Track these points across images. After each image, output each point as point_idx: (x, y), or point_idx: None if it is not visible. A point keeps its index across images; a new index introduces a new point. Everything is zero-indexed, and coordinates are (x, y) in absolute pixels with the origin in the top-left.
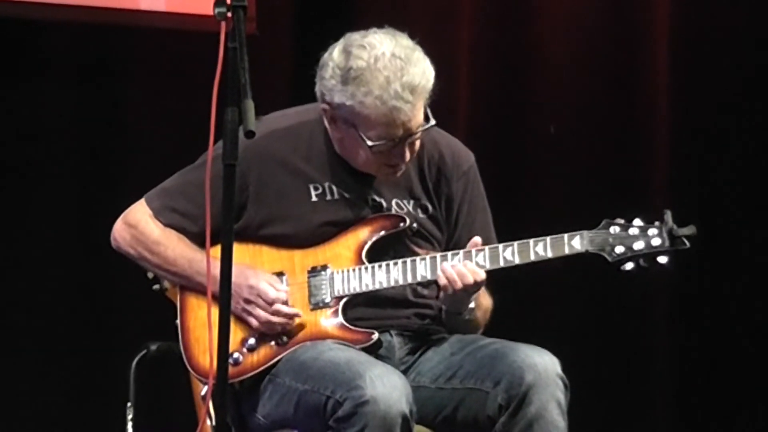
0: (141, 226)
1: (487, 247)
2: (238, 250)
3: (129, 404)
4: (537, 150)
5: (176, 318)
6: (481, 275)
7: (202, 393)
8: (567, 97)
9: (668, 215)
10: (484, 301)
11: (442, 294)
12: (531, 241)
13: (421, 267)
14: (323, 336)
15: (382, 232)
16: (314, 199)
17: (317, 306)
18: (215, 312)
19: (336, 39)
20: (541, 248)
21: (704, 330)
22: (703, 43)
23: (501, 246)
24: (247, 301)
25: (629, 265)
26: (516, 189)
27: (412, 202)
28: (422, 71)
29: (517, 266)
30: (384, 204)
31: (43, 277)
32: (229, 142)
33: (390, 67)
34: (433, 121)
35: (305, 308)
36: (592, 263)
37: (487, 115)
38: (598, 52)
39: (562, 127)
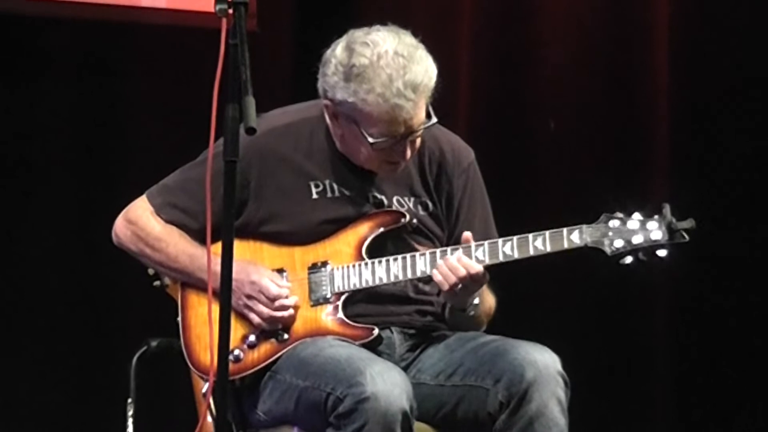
0: (142, 222)
1: (486, 242)
2: (239, 246)
3: (129, 400)
4: (537, 147)
5: (177, 315)
6: (475, 268)
7: (203, 390)
8: (567, 94)
9: (667, 209)
10: (487, 298)
11: (442, 291)
12: (530, 236)
13: (421, 262)
14: (323, 332)
15: (382, 229)
16: (315, 196)
17: (317, 302)
18: (216, 309)
19: (337, 36)
20: (540, 243)
21: (704, 327)
22: (703, 42)
23: (500, 241)
24: (249, 297)
25: (628, 259)
26: (516, 186)
27: (412, 199)
28: (425, 69)
29: (516, 261)
30: (385, 201)
31: (44, 273)
32: (230, 139)
33: (393, 64)
34: (434, 119)
35: (305, 304)
36: (593, 260)
37: (487, 113)
38: (598, 50)
39: (562, 124)
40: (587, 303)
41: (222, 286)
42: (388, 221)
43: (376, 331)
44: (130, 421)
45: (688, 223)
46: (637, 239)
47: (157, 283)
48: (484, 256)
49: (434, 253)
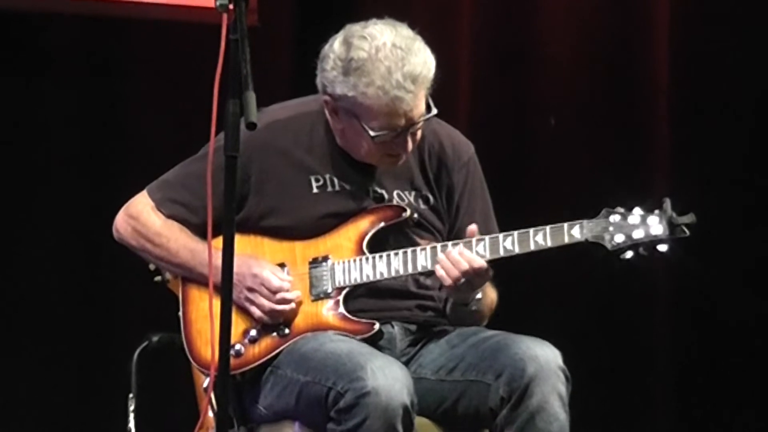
0: (143, 217)
1: (486, 237)
2: (239, 241)
3: (130, 395)
4: (537, 144)
5: (178, 310)
6: (478, 262)
7: (204, 385)
8: (567, 92)
9: (667, 203)
10: (488, 292)
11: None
12: (531, 231)
13: (422, 257)
14: (324, 327)
15: (383, 223)
16: (315, 191)
17: (318, 297)
18: (217, 303)
19: (337, 31)
20: (540, 237)
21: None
22: (703, 38)
23: (501, 236)
24: (251, 290)
25: (629, 254)
26: (516, 184)
27: (413, 193)
28: (423, 61)
29: (517, 256)
30: (385, 195)
31: (45, 269)
32: (231, 134)
33: (391, 57)
34: (434, 111)
35: (306, 299)
36: (594, 256)
37: (488, 111)
38: (599, 47)
39: (563, 120)
40: (588, 297)
41: (223, 281)
42: (389, 216)
43: (377, 326)
44: (131, 415)
45: (689, 218)
46: (638, 234)
47: (158, 278)
48: (484, 251)
49: (435, 247)
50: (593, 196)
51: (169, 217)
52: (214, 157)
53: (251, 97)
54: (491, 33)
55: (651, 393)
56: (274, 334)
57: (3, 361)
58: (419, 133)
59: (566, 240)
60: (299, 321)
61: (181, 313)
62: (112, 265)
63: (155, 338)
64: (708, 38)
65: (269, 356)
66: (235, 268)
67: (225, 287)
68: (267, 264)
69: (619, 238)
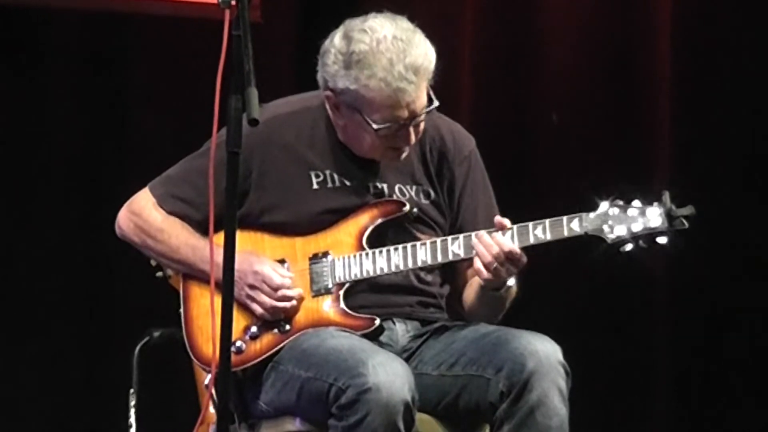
0: (144, 213)
1: (484, 232)
2: (240, 237)
3: (132, 391)
4: (539, 141)
5: (179, 306)
6: (508, 245)
7: (206, 381)
8: (569, 88)
9: (666, 196)
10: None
11: (475, 269)
12: (530, 224)
13: (422, 252)
14: (325, 323)
15: (382, 218)
16: (315, 186)
17: (319, 293)
18: (218, 300)
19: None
20: (540, 231)
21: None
22: (705, 35)
23: (500, 230)
24: (252, 287)
25: (629, 247)
26: (518, 181)
27: (414, 187)
28: (424, 52)
29: None
30: (386, 190)
31: (46, 264)
32: (233, 130)
33: (392, 49)
34: (436, 103)
35: (307, 295)
36: (595, 250)
37: (490, 108)
38: (600, 44)
39: (565, 116)
40: (588, 292)
41: (224, 277)
42: (389, 211)
43: (377, 322)
44: (132, 411)
45: (688, 210)
46: (637, 226)
47: (159, 274)
48: None
49: (435, 242)
50: (594, 192)
51: (170, 213)
52: (216, 153)
53: (253, 94)
54: (494, 28)
55: (650, 387)
56: (275, 330)
57: (4, 356)
58: (422, 126)
59: (566, 233)
60: (300, 317)
61: (182, 310)
62: (113, 261)
63: (156, 334)
64: (709, 36)
65: (270, 352)
66: (236, 265)
67: (226, 283)
68: (268, 261)
69: (619, 231)
